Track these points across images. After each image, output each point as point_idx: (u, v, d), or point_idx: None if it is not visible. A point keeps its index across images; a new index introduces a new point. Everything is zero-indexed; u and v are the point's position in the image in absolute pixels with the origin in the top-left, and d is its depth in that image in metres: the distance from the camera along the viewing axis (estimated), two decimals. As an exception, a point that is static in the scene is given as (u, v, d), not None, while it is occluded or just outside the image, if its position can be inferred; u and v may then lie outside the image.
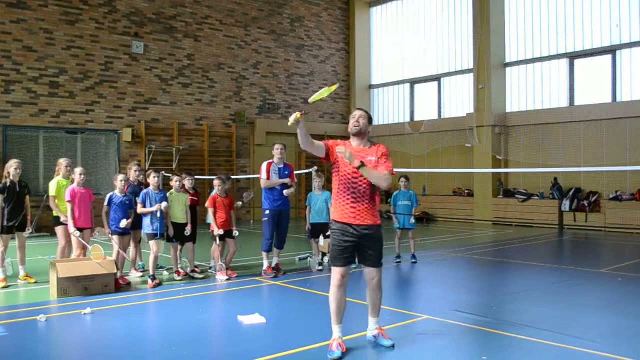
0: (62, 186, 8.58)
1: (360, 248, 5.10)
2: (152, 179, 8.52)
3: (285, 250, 9.54)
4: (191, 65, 18.84)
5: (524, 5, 18.96)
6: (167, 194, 8.74)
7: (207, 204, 8.87)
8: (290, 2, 21.50)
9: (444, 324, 6.04)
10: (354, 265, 5.35)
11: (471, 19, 19.68)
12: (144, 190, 8.50)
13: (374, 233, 5.09)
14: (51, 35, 16.10)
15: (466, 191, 20.00)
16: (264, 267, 8.98)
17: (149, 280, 8.21)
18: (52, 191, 8.56)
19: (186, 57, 18.72)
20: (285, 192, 8.96)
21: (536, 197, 17.93)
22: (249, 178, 18.01)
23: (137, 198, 8.53)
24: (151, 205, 8.36)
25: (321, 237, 9.43)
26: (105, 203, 8.40)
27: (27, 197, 8.54)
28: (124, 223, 8.28)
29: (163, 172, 14.22)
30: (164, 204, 8.35)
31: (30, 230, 8.63)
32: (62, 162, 8.85)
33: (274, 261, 9.13)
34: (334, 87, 5.11)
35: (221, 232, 8.71)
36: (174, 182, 8.95)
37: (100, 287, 7.62)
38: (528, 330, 5.74)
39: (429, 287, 8.71)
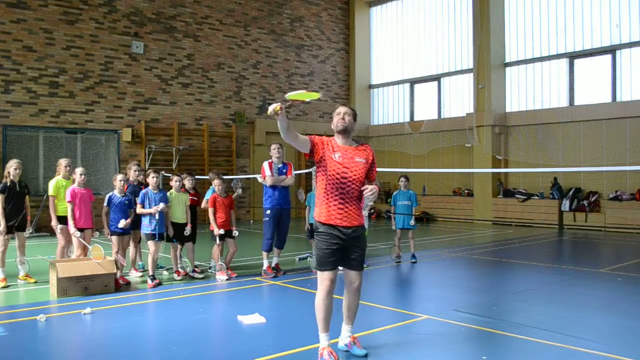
0: (62, 186, 8.58)
1: (345, 251, 4.85)
2: (152, 179, 8.52)
3: (285, 250, 9.54)
4: (191, 65, 18.84)
5: (524, 5, 18.96)
6: (167, 194, 8.74)
7: (203, 204, 8.89)
8: (290, 2, 21.50)
9: (444, 324, 6.04)
10: (340, 269, 5.01)
11: (471, 19, 19.68)
12: (143, 191, 8.50)
13: (359, 235, 4.88)
14: (51, 35, 16.10)
15: (466, 191, 20.00)
16: (264, 267, 8.98)
17: (149, 281, 8.21)
18: (51, 191, 8.57)
19: (186, 57, 18.72)
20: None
21: (536, 197, 17.93)
22: (248, 178, 18.00)
23: (137, 198, 8.53)
24: (150, 206, 8.36)
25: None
26: (105, 203, 8.40)
27: (27, 197, 8.55)
28: (122, 223, 8.28)
29: (163, 172, 14.23)
30: (161, 205, 8.34)
31: (30, 230, 8.64)
32: (62, 162, 8.86)
33: (274, 261, 9.13)
34: (315, 95, 4.79)
35: (222, 232, 8.72)
36: (174, 182, 8.95)
37: (100, 287, 7.62)
38: (528, 330, 5.74)
39: (429, 287, 8.71)
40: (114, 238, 8.41)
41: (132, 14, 17.58)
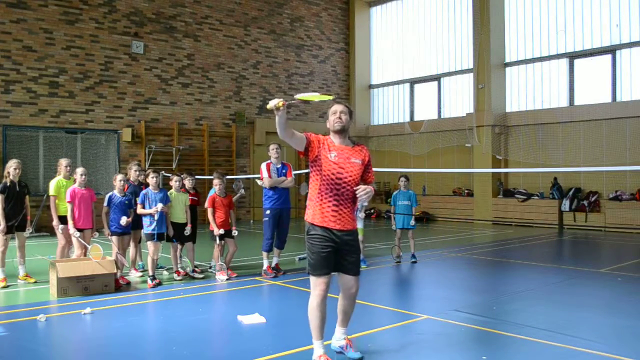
0: (62, 186, 8.59)
1: (339, 255, 4.65)
2: (151, 179, 8.52)
3: (285, 250, 9.54)
4: (191, 65, 18.84)
5: (524, 5, 18.96)
6: (167, 193, 8.74)
7: (206, 204, 8.88)
8: (290, 2, 21.50)
9: (444, 324, 6.04)
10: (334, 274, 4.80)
11: (471, 19, 19.68)
12: (144, 191, 8.50)
13: (353, 239, 4.71)
14: (51, 35, 16.10)
15: (466, 191, 20.00)
16: (264, 267, 8.98)
17: (149, 281, 8.21)
18: (52, 191, 8.58)
19: (186, 57, 18.72)
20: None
21: (536, 197, 17.93)
22: (248, 178, 18.01)
23: (137, 198, 8.53)
24: (150, 206, 8.36)
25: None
26: (105, 204, 8.40)
27: (27, 197, 8.55)
28: (124, 220, 8.28)
29: (163, 172, 14.24)
30: (160, 205, 8.33)
31: (30, 230, 8.64)
32: (63, 162, 8.88)
33: (274, 261, 9.13)
34: (327, 97, 4.63)
35: (222, 232, 8.72)
36: (174, 182, 8.96)
37: (100, 287, 7.62)
38: (528, 330, 5.74)
39: (429, 287, 8.71)
40: (114, 238, 8.41)
41: (132, 14, 17.58)
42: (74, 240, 8.32)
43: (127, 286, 8.20)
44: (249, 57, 20.25)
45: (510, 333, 5.66)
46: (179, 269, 8.87)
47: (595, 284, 8.45)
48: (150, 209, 8.32)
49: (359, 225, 9.23)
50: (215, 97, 19.38)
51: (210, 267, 9.36)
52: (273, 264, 9.08)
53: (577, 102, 17.63)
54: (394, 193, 10.74)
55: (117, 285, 7.90)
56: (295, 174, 9.70)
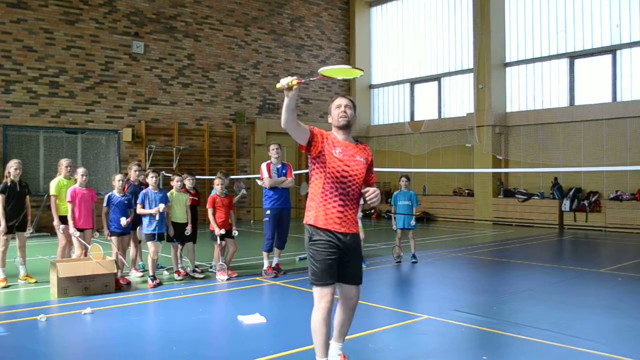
0: (63, 186, 8.60)
1: (341, 261, 4.18)
2: (151, 179, 8.52)
3: (285, 250, 9.54)
4: (191, 65, 18.84)
5: (524, 5, 18.95)
6: (168, 193, 8.74)
7: (208, 204, 8.88)
8: (290, 2, 21.50)
9: (445, 324, 6.04)
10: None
11: (471, 19, 19.68)
12: (143, 191, 8.50)
13: (356, 243, 4.28)
14: (51, 35, 16.10)
15: (466, 191, 20.00)
16: (265, 267, 8.98)
17: (149, 281, 8.21)
18: (52, 191, 8.58)
19: (186, 57, 18.72)
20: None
21: (536, 197, 17.92)
22: (249, 178, 18.00)
23: (136, 198, 8.54)
24: (150, 206, 8.35)
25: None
26: (104, 204, 8.40)
27: (28, 197, 8.56)
28: (124, 221, 8.28)
29: (163, 172, 14.25)
30: (161, 206, 8.33)
31: (30, 230, 8.65)
32: (63, 162, 8.89)
33: (275, 261, 9.13)
34: (358, 73, 4.08)
35: (222, 232, 8.72)
36: (175, 182, 8.96)
37: (101, 287, 7.62)
38: (528, 330, 5.74)
39: (429, 287, 8.71)
40: (114, 238, 8.42)
41: (132, 14, 17.58)
42: (74, 240, 8.32)
43: (128, 286, 8.20)
44: (249, 57, 20.25)
45: (510, 333, 5.66)
46: (180, 269, 8.87)
47: (595, 284, 8.45)
48: (150, 209, 8.32)
49: (359, 223, 9.23)
50: (216, 97, 19.38)
51: (211, 267, 9.36)
52: (273, 264, 9.08)
53: (577, 102, 17.62)
54: (395, 193, 10.73)
55: (117, 285, 7.91)
56: (295, 174, 9.71)
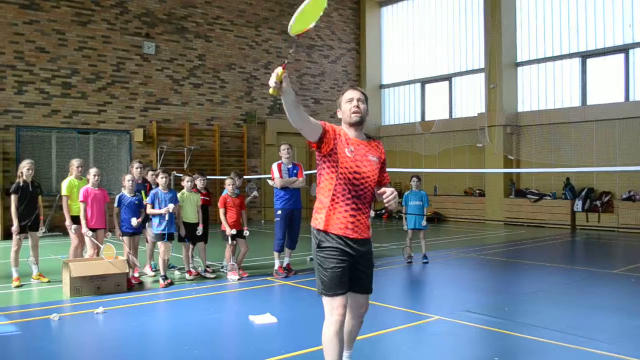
0: (74, 186, 8.65)
1: (353, 269, 3.90)
2: (161, 179, 8.55)
3: (296, 250, 9.54)
4: (202, 65, 18.90)
5: (535, 4, 18.84)
6: (179, 194, 8.77)
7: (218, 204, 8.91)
8: (301, 2, 21.44)
9: (456, 325, 6.02)
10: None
11: (482, 18, 19.60)
12: (153, 191, 8.53)
13: (369, 250, 3.99)
14: (64, 36, 16.21)
15: (478, 191, 19.92)
16: (275, 267, 8.99)
17: (161, 280, 8.24)
18: (64, 191, 8.64)
19: (197, 58, 18.78)
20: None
21: (548, 198, 17.82)
22: (260, 178, 18.04)
23: (143, 196, 8.59)
24: (160, 206, 8.39)
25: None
26: (115, 204, 8.45)
27: (40, 197, 8.62)
28: (134, 221, 8.32)
29: (175, 172, 14.30)
30: (171, 206, 8.36)
31: (43, 230, 8.71)
32: (74, 162, 8.95)
33: (285, 261, 9.14)
34: (322, 2, 3.75)
35: (234, 232, 8.73)
36: (186, 182, 8.99)
37: (113, 287, 7.66)
38: (540, 331, 5.70)
39: (440, 288, 8.68)
40: (125, 238, 8.46)
41: (143, 15, 17.66)
42: (86, 239, 8.37)
43: (139, 286, 8.24)
44: (259, 58, 20.29)
45: (522, 334, 5.63)
46: (191, 269, 8.90)
47: (608, 285, 8.39)
48: (160, 209, 8.35)
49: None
50: (227, 98, 19.43)
51: (222, 267, 9.39)
52: (284, 264, 9.09)
53: (589, 102, 17.50)
54: (406, 193, 10.70)
55: (129, 285, 7.95)
56: (306, 175, 9.71)
